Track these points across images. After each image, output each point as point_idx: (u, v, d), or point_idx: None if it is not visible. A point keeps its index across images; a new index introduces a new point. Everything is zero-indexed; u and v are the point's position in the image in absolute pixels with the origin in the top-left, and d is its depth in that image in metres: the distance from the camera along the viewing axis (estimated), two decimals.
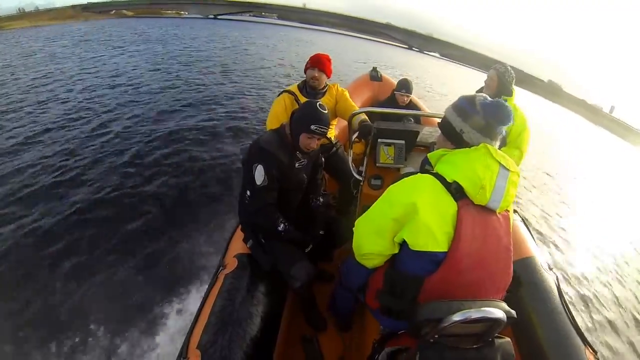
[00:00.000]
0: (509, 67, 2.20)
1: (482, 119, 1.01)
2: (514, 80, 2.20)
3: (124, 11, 59.25)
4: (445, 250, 0.95)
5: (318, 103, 1.52)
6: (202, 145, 4.94)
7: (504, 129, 1.04)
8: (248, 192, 1.54)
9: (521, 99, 2.22)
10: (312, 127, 1.47)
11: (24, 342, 2.14)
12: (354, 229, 1.19)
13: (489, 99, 1.05)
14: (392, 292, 1.08)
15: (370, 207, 1.14)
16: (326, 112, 1.51)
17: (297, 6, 75.09)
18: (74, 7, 56.60)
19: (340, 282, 1.53)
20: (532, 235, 1.89)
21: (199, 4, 64.68)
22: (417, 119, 2.78)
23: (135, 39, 17.90)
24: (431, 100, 10.03)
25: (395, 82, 3.28)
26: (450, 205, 0.95)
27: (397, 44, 64.34)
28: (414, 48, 62.40)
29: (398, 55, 35.64)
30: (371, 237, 1.11)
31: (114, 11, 58.82)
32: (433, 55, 59.60)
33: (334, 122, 2.39)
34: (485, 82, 2.29)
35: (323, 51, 2.17)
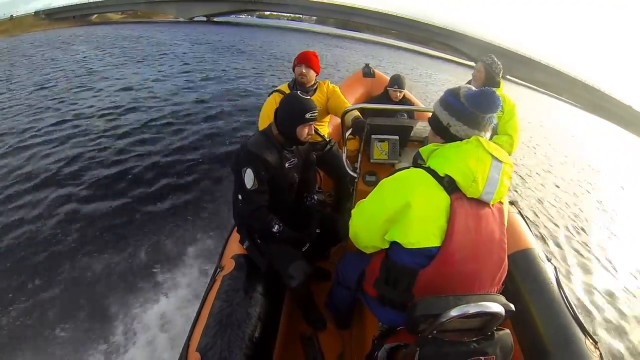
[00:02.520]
0: (495, 59, 2.25)
1: (467, 111, 1.01)
2: (501, 72, 2.24)
3: (110, 15, 50.78)
4: (438, 244, 0.95)
5: (297, 92, 1.57)
6: (197, 149, 4.89)
7: (494, 118, 1.03)
8: (240, 196, 1.54)
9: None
10: (307, 115, 1.50)
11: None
12: (350, 220, 1.21)
13: (473, 89, 1.04)
14: (387, 281, 1.09)
15: (365, 200, 1.15)
16: (308, 96, 1.57)
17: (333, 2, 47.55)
18: (36, 14, 46.44)
19: (338, 280, 1.53)
20: (529, 227, 1.89)
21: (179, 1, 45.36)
22: (411, 114, 2.79)
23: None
24: None
25: (388, 78, 3.27)
26: (443, 198, 0.96)
27: (462, 60, 41.55)
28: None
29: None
30: (365, 232, 1.14)
31: (95, 15, 49.51)
32: (516, 81, 36.93)
33: (327, 119, 2.38)
34: (472, 74, 2.36)
35: None
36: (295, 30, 42.93)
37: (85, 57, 13.22)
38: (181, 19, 45.99)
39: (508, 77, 35.87)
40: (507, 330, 0.96)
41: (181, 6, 46.45)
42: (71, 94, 7.62)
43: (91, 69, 10.56)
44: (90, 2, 47.54)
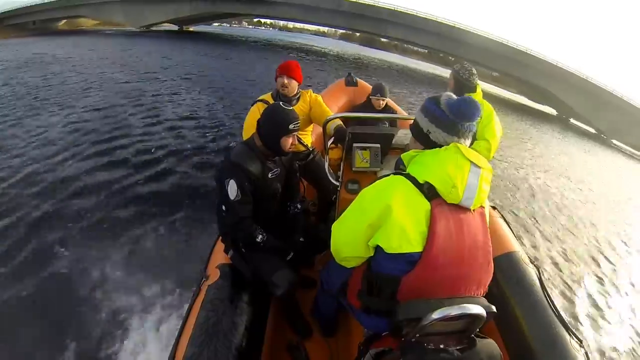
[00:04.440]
0: (465, 65, 2.19)
1: (447, 118, 1.04)
2: (473, 76, 2.16)
3: (81, 19, 40.17)
4: (420, 250, 0.96)
5: (280, 103, 1.58)
6: (180, 158, 4.84)
7: (474, 125, 1.05)
8: (223, 207, 1.55)
9: None
10: (290, 126, 1.52)
11: None
12: (331, 234, 1.20)
13: (454, 97, 1.07)
14: (369, 292, 1.09)
15: (345, 212, 1.15)
16: (290, 107, 1.58)
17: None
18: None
19: (322, 288, 1.54)
20: (512, 230, 1.94)
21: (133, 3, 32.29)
22: (394, 122, 2.83)
23: None
24: None
25: (370, 86, 3.31)
26: (423, 204, 0.97)
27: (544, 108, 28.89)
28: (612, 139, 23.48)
29: None
30: (347, 243, 1.13)
31: (63, 21, 39.06)
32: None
33: (310, 128, 2.40)
34: (448, 83, 2.30)
35: None
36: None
37: None
38: (133, 29, 33.92)
39: (614, 142, 23.01)
40: (491, 340, 0.98)
41: (129, 9, 33.95)
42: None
43: None
44: (25, 7, 36.11)
